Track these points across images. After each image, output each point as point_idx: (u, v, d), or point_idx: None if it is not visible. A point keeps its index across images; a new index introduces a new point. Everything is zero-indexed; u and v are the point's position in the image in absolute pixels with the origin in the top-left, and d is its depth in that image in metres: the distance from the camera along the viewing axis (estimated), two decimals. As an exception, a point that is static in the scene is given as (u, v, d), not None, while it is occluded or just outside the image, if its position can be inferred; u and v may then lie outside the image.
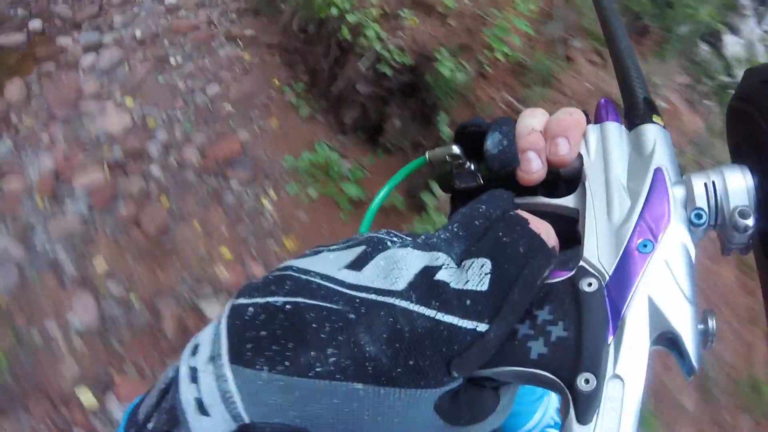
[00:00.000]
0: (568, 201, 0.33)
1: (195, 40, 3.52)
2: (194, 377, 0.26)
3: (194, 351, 0.27)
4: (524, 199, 0.35)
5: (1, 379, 2.17)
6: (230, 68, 3.36)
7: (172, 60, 3.39)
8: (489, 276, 0.25)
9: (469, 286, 0.25)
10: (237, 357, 0.25)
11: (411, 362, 0.24)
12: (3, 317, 2.36)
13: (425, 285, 0.25)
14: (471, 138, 0.37)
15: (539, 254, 0.26)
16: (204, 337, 0.27)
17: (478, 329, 0.24)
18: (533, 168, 0.33)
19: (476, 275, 0.25)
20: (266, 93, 3.23)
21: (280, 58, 3.39)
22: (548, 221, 0.29)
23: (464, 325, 0.24)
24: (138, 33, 3.52)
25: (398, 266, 0.26)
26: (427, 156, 0.39)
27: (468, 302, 0.24)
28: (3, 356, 2.23)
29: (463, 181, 0.38)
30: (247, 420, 0.25)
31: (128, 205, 2.70)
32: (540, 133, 0.34)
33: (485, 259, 0.26)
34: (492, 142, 0.35)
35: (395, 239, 0.29)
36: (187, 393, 0.26)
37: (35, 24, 3.51)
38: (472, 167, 0.38)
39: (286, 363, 0.24)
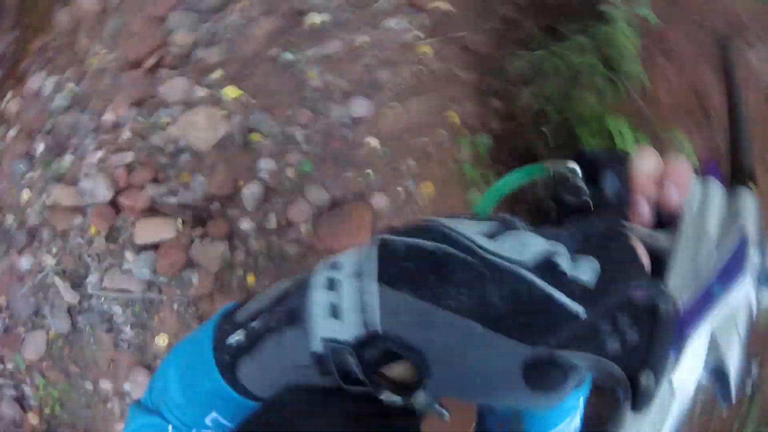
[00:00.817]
0: (663, 238, 0.37)
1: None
2: (333, 286, 0.32)
3: (333, 266, 0.33)
4: (629, 225, 0.38)
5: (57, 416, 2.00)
6: (395, 65, 2.10)
7: (309, 18, 2.17)
8: (596, 273, 0.30)
9: (581, 277, 0.29)
10: (386, 278, 0.30)
11: (523, 319, 0.29)
12: (57, 358, 2.01)
13: (547, 265, 0.29)
14: (588, 162, 0.40)
15: (635, 272, 0.31)
16: (347, 258, 0.33)
17: (578, 312, 0.28)
18: (644, 214, 0.37)
19: (587, 270, 0.30)
20: (433, 132, 2.04)
21: (473, 71, 2.08)
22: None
23: (569, 305, 0.28)
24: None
25: (527, 245, 0.30)
26: (546, 166, 0.42)
27: (577, 289, 0.29)
28: (56, 394, 2.01)
29: (573, 196, 0.41)
30: (379, 329, 0.30)
31: (202, 278, 1.95)
32: (654, 180, 0.37)
33: (595, 260, 0.30)
34: (611, 186, 0.38)
35: (522, 224, 0.33)
36: (320, 298, 0.32)
37: None
38: (587, 188, 0.40)
39: (426, 292, 0.29)
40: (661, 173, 0.38)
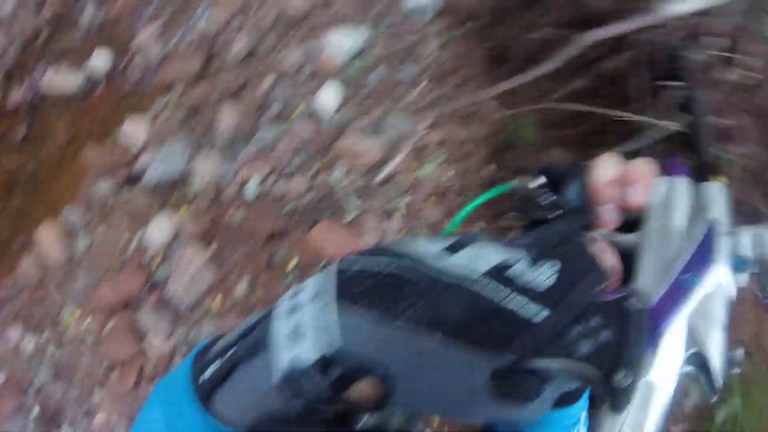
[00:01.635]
0: (629, 238, 0.39)
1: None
2: (293, 311, 0.32)
3: (295, 294, 0.33)
4: (597, 233, 0.39)
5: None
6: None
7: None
8: (556, 275, 0.30)
9: (540, 279, 0.30)
10: (344, 295, 0.30)
11: (483, 328, 0.29)
12: None
13: (503, 272, 0.30)
14: (553, 176, 0.42)
15: (594, 272, 0.32)
16: (308, 284, 0.33)
17: (540, 314, 0.29)
18: (609, 220, 0.39)
19: (547, 271, 0.30)
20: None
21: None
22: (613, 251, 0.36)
23: (530, 308, 0.29)
24: None
25: (480, 256, 0.31)
26: (513, 184, 0.45)
27: (537, 292, 0.29)
28: None
29: (543, 210, 0.42)
30: (339, 345, 0.29)
31: None
32: (615, 184, 0.39)
33: (556, 261, 0.31)
34: (573, 194, 0.40)
35: (483, 237, 0.34)
36: (282, 323, 0.31)
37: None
38: (552, 200, 0.42)
39: (385, 306, 0.30)
40: (623, 177, 0.39)
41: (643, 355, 0.29)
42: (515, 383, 0.30)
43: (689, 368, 0.33)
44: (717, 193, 0.38)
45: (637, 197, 0.39)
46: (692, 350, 0.32)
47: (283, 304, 0.33)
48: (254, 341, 0.34)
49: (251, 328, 0.35)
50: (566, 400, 0.44)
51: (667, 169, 0.40)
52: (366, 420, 0.32)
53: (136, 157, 2.27)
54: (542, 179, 0.43)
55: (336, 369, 0.30)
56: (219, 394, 0.35)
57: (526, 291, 0.30)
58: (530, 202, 0.44)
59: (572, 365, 0.29)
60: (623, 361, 0.28)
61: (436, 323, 0.29)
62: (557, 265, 0.31)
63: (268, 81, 2.35)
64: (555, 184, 0.43)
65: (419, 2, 2.41)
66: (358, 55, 2.35)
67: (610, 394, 0.29)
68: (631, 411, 0.30)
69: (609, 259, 0.34)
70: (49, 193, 2.34)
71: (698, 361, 0.32)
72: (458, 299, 0.30)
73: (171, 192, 2.20)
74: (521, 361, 0.29)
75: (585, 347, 0.29)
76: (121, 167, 2.23)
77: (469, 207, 0.51)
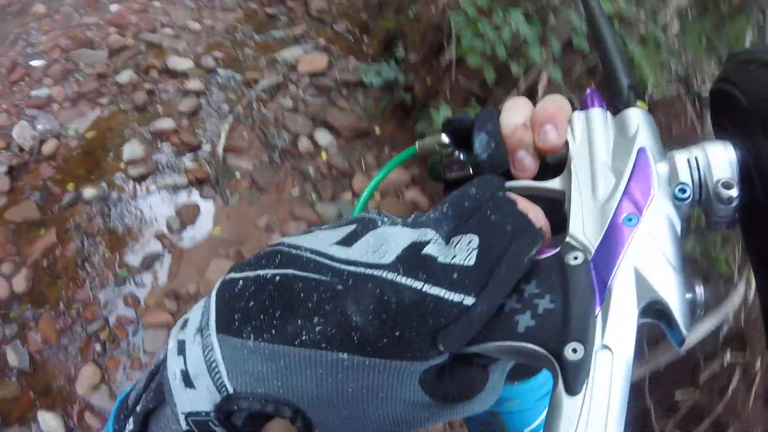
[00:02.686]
0: (555, 183, 0.34)
1: None
2: (181, 349, 0.27)
3: (183, 325, 0.29)
4: (512, 183, 0.35)
5: None
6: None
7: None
8: (476, 251, 0.25)
9: (457, 261, 0.25)
10: (224, 327, 0.26)
11: (397, 333, 0.24)
12: None
13: (413, 259, 0.25)
14: (457, 130, 0.39)
15: (526, 233, 0.27)
16: (194, 312, 0.29)
17: (464, 302, 0.24)
18: (526, 166, 0.35)
19: (463, 250, 0.25)
20: None
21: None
22: (539, 204, 0.29)
23: (451, 298, 0.24)
24: None
25: (387, 242, 0.27)
26: (417, 146, 0.41)
27: (455, 275, 0.25)
28: None
29: (453, 170, 0.40)
30: (230, 390, 0.25)
31: None
32: (526, 127, 0.35)
33: (473, 235, 0.26)
34: (480, 146, 0.36)
35: (386, 219, 0.29)
36: (173, 366, 0.27)
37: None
38: (462, 157, 0.39)
39: (273, 331, 0.25)
40: (534, 118, 0.35)
41: (591, 319, 0.25)
42: (454, 379, 0.26)
43: (647, 320, 0.26)
44: (640, 119, 0.34)
45: (551, 138, 0.34)
46: (646, 300, 0.26)
47: (173, 337, 0.29)
48: (157, 388, 0.30)
49: (156, 370, 0.31)
50: (524, 372, 0.47)
51: (582, 104, 0.37)
52: None
53: None
54: (445, 138, 0.39)
55: (237, 416, 0.26)
56: None
57: (443, 277, 0.25)
58: (445, 165, 0.40)
59: (512, 346, 0.25)
60: (570, 332, 0.24)
61: (341, 338, 0.24)
62: (475, 240, 0.26)
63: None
64: (462, 138, 0.38)
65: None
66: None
67: (561, 372, 0.24)
68: (590, 390, 0.23)
69: (536, 215, 0.28)
70: None
71: (655, 310, 0.26)
72: (365, 299, 0.25)
73: None
74: (456, 358, 0.26)
75: (524, 321, 0.25)
76: None
77: (374, 182, 0.43)
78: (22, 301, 2.61)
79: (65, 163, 3.17)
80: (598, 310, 0.25)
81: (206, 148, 3.29)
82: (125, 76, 3.65)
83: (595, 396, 0.23)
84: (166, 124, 3.35)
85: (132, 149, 3.19)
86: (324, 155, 3.27)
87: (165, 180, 3.10)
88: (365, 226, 0.29)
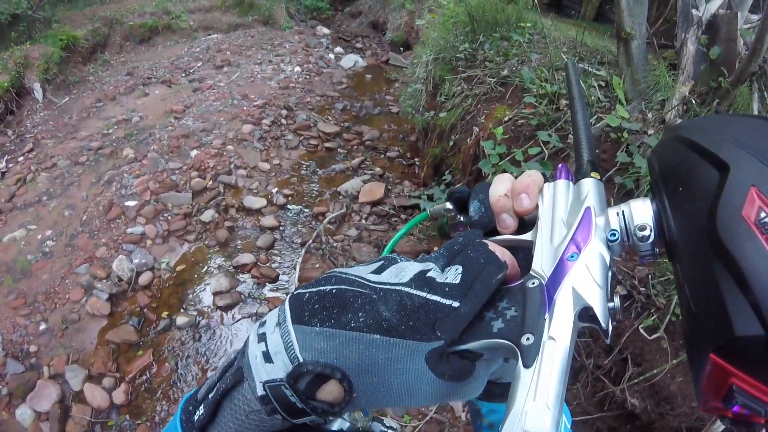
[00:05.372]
0: (527, 236, 0.47)
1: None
2: (262, 338, 0.39)
3: (262, 324, 0.40)
4: (497, 237, 0.49)
5: None
6: None
7: None
8: (461, 275, 0.39)
9: (448, 280, 0.38)
10: (298, 319, 0.38)
11: (411, 323, 0.36)
12: None
13: (420, 279, 0.39)
14: (458, 199, 0.56)
15: (493, 264, 0.40)
16: (270, 315, 0.41)
17: (453, 305, 0.37)
18: (507, 225, 0.49)
19: (452, 274, 0.39)
20: None
21: None
22: (517, 252, 0.45)
23: (444, 302, 0.37)
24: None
25: (404, 270, 0.40)
26: (428, 211, 0.60)
27: (447, 289, 0.38)
28: None
29: (455, 229, 0.56)
30: (301, 359, 0.37)
31: None
32: (507, 196, 0.49)
33: (459, 266, 0.40)
34: (474, 210, 0.52)
35: (402, 258, 0.43)
36: (255, 350, 0.39)
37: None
38: (461, 219, 0.56)
39: (332, 320, 0.37)
40: (514, 189, 0.48)
41: (540, 319, 0.37)
42: (450, 364, 0.37)
43: (585, 324, 0.38)
44: (591, 187, 0.46)
45: (525, 203, 0.47)
46: (579, 307, 0.37)
47: (253, 335, 0.40)
48: (236, 370, 0.40)
49: (230, 363, 0.42)
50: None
51: (553, 176, 0.50)
52: (341, 427, 0.39)
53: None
54: (449, 205, 0.56)
55: (303, 380, 0.37)
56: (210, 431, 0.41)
57: (439, 290, 0.37)
58: (445, 224, 0.57)
59: (490, 342, 0.37)
60: (525, 327, 0.36)
61: (375, 325, 0.36)
62: (460, 268, 0.39)
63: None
64: (461, 204, 0.54)
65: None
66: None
67: (520, 353, 0.35)
68: (540, 364, 0.34)
69: (502, 253, 0.41)
70: None
71: (588, 315, 0.37)
72: (391, 302, 0.37)
73: None
74: (450, 346, 0.37)
75: (497, 325, 0.38)
76: None
77: (397, 236, 0.65)
78: (120, 412, 2.90)
79: (159, 293, 3.58)
80: (546, 315, 0.37)
81: (283, 278, 3.65)
82: (208, 215, 4.15)
83: (543, 368, 0.34)
84: (246, 258, 3.76)
85: (218, 282, 3.57)
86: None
87: (248, 309, 3.44)
88: (390, 261, 0.42)
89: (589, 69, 3.13)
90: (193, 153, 4.94)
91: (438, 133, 4.18)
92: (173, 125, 5.50)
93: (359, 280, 0.40)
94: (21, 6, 6.87)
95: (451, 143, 3.85)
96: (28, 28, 6.93)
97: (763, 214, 0.32)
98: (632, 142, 2.52)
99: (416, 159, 4.75)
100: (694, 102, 2.56)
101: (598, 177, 0.48)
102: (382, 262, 0.42)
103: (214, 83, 6.57)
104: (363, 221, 4.04)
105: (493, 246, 0.42)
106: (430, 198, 3.86)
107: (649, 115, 2.63)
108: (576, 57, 3.38)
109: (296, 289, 0.41)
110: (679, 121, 2.47)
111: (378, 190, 4.27)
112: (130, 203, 4.30)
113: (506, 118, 3.17)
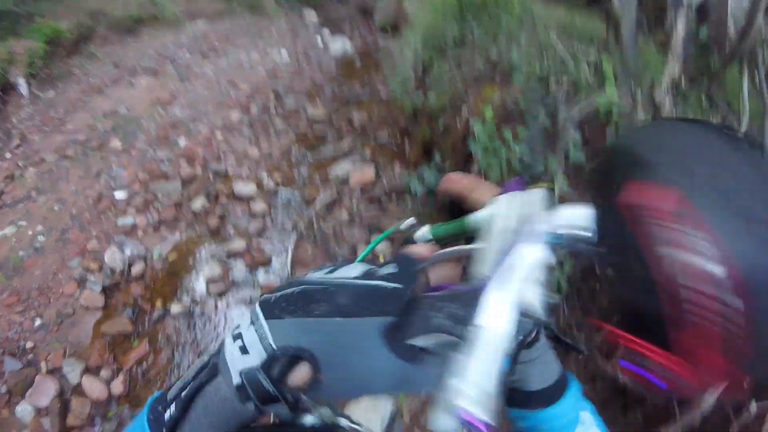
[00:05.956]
0: (474, 245, 0.56)
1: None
2: (238, 337, 0.45)
3: (236, 328, 0.46)
4: (447, 250, 0.59)
5: None
6: None
7: None
8: (396, 269, 0.48)
9: (386, 272, 0.48)
10: (270, 315, 0.44)
11: (363, 304, 0.44)
12: None
13: (367, 273, 0.48)
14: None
15: (413, 261, 0.50)
16: (243, 319, 0.47)
17: (396, 287, 0.45)
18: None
19: (390, 268, 0.48)
20: None
21: None
22: (469, 261, 0.55)
23: (389, 285, 0.45)
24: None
25: (354, 269, 0.49)
26: (395, 227, 0.75)
27: (387, 277, 0.46)
28: None
29: (417, 241, 0.69)
30: (275, 347, 0.43)
31: None
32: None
33: (393, 263, 0.49)
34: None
35: (348, 262, 0.51)
36: (231, 348, 0.45)
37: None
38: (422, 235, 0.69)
39: (300, 312, 0.44)
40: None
41: (476, 314, 0.43)
42: (404, 349, 0.43)
43: (526, 319, 0.45)
44: (538, 195, 0.55)
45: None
46: (518, 301, 0.44)
47: (228, 338, 0.46)
48: (212, 368, 0.46)
49: (205, 364, 0.48)
50: (541, 399, 0.62)
51: (508, 187, 0.59)
52: (310, 419, 0.45)
53: None
54: (413, 221, 0.70)
55: (276, 365, 0.43)
56: (182, 429, 0.45)
57: (382, 278, 0.46)
58: (409, 237, 0.69)
59: (438, 337, 0.43)
60: (465, 321, 0.43)
61: (336, 311, 0.43)
62: (394, 265, 0.49)
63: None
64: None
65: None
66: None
67: (459, 344, 0.42)
68: (478, 348, 0.41)
69: (418, 252, 0.53)
70: None
71: (525, 308, 0.45)
72: (347, 292, 0.45)
73: None
74: (399, 328, 0.43)
75: (443, 322, 0.43)
76: None
77: (370, 246, 0.79)
78: (119, 403, 2.92)
79: (152, 283, 3.57)
80: (484, 310, 0.43)
81: (276, 263, 3.65)
82: (198, 204, 4.13)
83: (478, 354, 0.41)
84: (238, 245, 3.76)
85: (211, 269, 3.57)
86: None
87: (242, 294, 3.44)
88: (343, 263, 0.51)
89: (578, 49, 3.10)
90: (182, 142, 4.91)
91: (427, 115, 4.16)
92: (161, 115, 5.44)
93: (318, 279, 0.47)
94: (7, 3, 6.77)
95: (441, 125, 3.83)
96: (12, 23, 6.82)
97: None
98: (621, 122, 2.51)
99: (406, 141, 4.72)
100: (683, 83, 2.55)
101: (545, 185, 0.58)
102: (332, 266, 0.51)
103: (201, 71, 6.49)
104: (354, 204, 4.03)
105: (413, 248, 0.56)
106: (421, 180, 3.84)
107: (639, 96, 2.62)
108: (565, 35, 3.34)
109: (261, 295, 0.48)
110: (668, 101, 2.51)
111: (368, 173, 4.26)
112: (120, 195, 4.28)
113: (496, 99, 3.14)
